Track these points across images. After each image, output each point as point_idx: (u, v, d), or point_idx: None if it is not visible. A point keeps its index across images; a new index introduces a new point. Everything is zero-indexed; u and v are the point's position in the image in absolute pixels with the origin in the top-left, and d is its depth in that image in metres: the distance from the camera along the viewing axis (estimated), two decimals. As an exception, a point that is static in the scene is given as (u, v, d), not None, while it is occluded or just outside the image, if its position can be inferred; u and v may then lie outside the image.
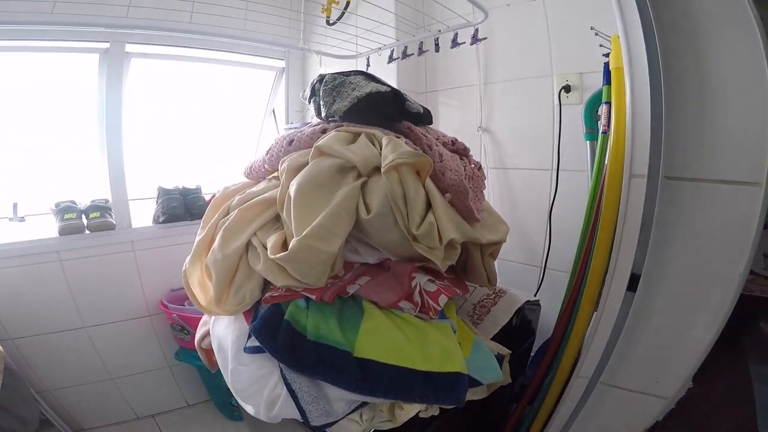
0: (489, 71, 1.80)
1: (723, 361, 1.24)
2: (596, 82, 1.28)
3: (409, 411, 0.94)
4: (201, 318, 1.33)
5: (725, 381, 1.20)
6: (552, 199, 1.63)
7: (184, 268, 1.09)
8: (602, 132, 1.16)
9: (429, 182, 0.95)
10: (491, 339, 1.26)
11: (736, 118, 0.76)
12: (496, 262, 1.81)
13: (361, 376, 0.89)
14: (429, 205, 0.94)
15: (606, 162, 1.04)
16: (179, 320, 1.90)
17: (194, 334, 1.35)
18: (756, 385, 1.16)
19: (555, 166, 1.60)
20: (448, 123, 2.01)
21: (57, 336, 1.86)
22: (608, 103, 1.11)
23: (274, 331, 0.95)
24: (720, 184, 0.78)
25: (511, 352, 1.20)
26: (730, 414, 1.11)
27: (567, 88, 1.53)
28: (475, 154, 1.84)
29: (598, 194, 1.10)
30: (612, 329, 0.93)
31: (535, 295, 1.57)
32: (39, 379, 1.84)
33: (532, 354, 1.52)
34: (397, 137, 1.02)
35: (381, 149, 0.95)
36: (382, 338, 0.93)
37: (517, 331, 1.39)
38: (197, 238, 1.10)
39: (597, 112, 1.28)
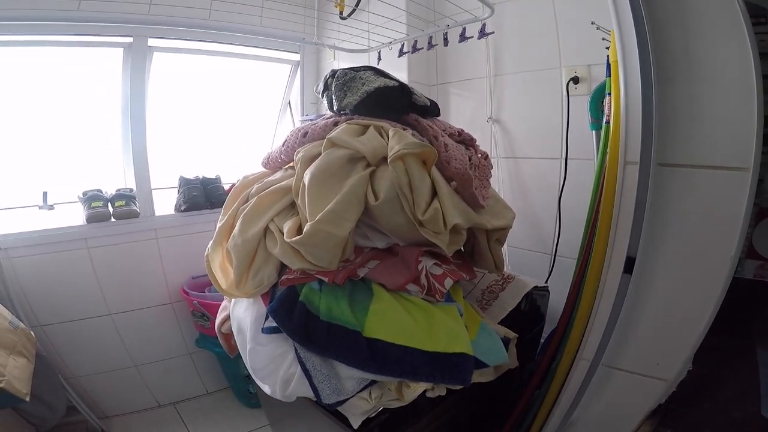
0: (498, 63, 1.82)
1: (731, 347, 1.26)
2: (604, 73, 1.29)
3: (416, 389, 0.98)
4: (221, 304, 1.39)
5: (732, 366, 1.22)
6: (561, 188, 1.64)
7: (206, 252, 1.15)
8: (606, 122, 1.18)
9: (435, 171, 0.99)
10: (499, 323, 1.29)
11: (724, 106, 0.78)
12: (506, 250, 1.85)
13: (370, 354, 0.94)
14: (435, 193, 0.99)
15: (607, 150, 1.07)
16: (200, 307, 1.96)
17: (214, 321, 1.40)
18: (762, 371, 1.18)
19: (564, 156, 1.62)
20: (459, 114, 2.03)
21: (84, 323, 1.92)
22: (611, 94, 1.13)
23: (289, 311, 1.01)
24: (709, 170, 0.81)
25: (517, 335, 1.24)
26: (735, 399, 1.13)
27: (575, 80, 1.55)
28: (486, 144, 1.86)
29: (601, 182, 1.13)
30: (611, 311, 0.96)
31: (545, 282, 1.59)
32: (66, 365, 1.90)
33: (542, 340, 1.54)
34: (404, 129, 1.05)
35: (388, 140, 0.99)
36: (390, 319, 0.98)
37: (526, 316, 1.42)
38: (219, 224, 1.15)
39: (603, 102, 1.30)
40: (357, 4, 2.08)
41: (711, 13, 0.77)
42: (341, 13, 2.15)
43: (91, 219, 1.88)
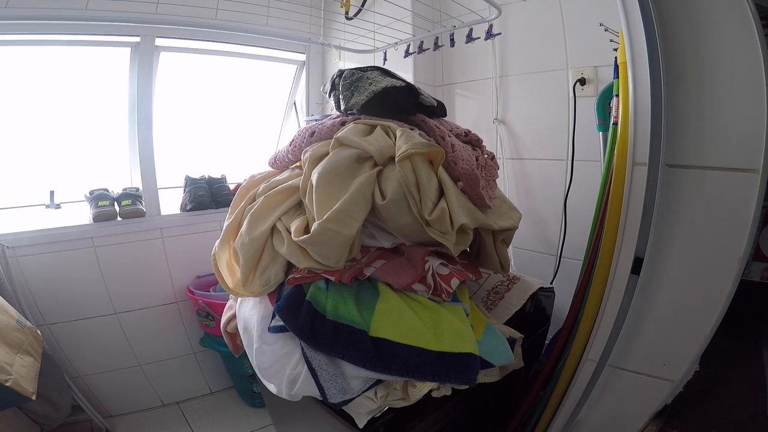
0: (505, 64, 1.82)
1: (738, 348, 1.26)
2: (611, 75, 1.29)
3: (421, 389, 0.98)
4: (225, 304, 1.39)
5: (739, 368, 1.22)
6: (567, 189, 1.64)
7: (213, 251, 1.15)
8: (613, 123, 1.18)
9: (442, 171, 0.99)
10: (504, 324, 1.29)
11: (734, 108, 0.78)
12: (512, 251, 1.85)
13: (376, 354, 0.94)
14: (442, 193, 0.99)
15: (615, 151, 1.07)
16: (205, 306, 1.96)
17: (219, 321, 1.41)
18: (768, 371, 1.17)
19: (570, 157, 1.62)
20: (464, 115, 2.03)
21: (89, 322, 1.93)
22: (619, 95, 1.13)
23: (296, 310, 1.01)
24: (718, 171, 0.81)
25: (523, 336, 1.24)
26: (742, 400, 1.13)
27: (582, 81, 1.55)
28: (491, 145, 1.86)
29: (608, 183, 1.13)
30: (618, 312, 0.96)
31: (551, 283, 1.59)
32: (71, 364, 1.91)
33: (547, 341, 1.54)
34: (411, 129, 1.06)
35: (396, 140, 1.00)
36: (396, 319, 0.98)
37: (532, 317, 1.42)
38: (225, 223, 1.15)
39: (609, 104, 1.30)
40: (363, 5, 2.08)
41: (720, 15, 0.77)
42: (347, 13, 2.15)
43: (97, 218, 1.89)
